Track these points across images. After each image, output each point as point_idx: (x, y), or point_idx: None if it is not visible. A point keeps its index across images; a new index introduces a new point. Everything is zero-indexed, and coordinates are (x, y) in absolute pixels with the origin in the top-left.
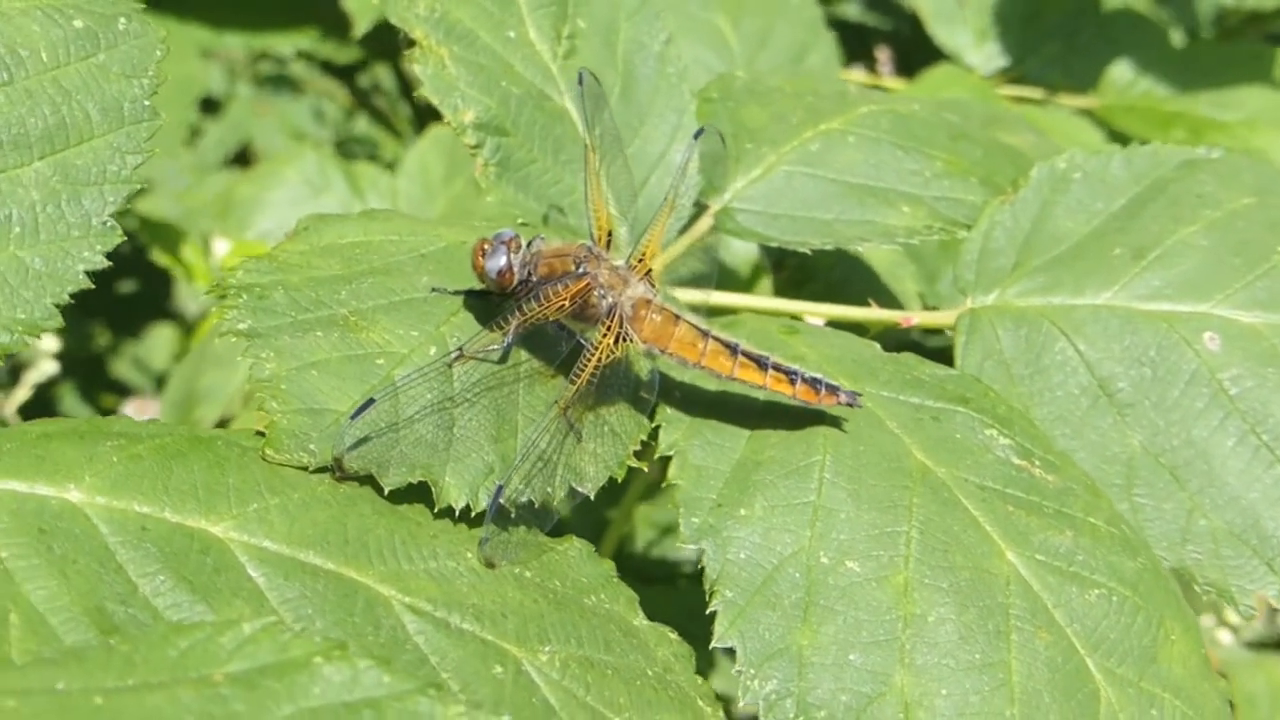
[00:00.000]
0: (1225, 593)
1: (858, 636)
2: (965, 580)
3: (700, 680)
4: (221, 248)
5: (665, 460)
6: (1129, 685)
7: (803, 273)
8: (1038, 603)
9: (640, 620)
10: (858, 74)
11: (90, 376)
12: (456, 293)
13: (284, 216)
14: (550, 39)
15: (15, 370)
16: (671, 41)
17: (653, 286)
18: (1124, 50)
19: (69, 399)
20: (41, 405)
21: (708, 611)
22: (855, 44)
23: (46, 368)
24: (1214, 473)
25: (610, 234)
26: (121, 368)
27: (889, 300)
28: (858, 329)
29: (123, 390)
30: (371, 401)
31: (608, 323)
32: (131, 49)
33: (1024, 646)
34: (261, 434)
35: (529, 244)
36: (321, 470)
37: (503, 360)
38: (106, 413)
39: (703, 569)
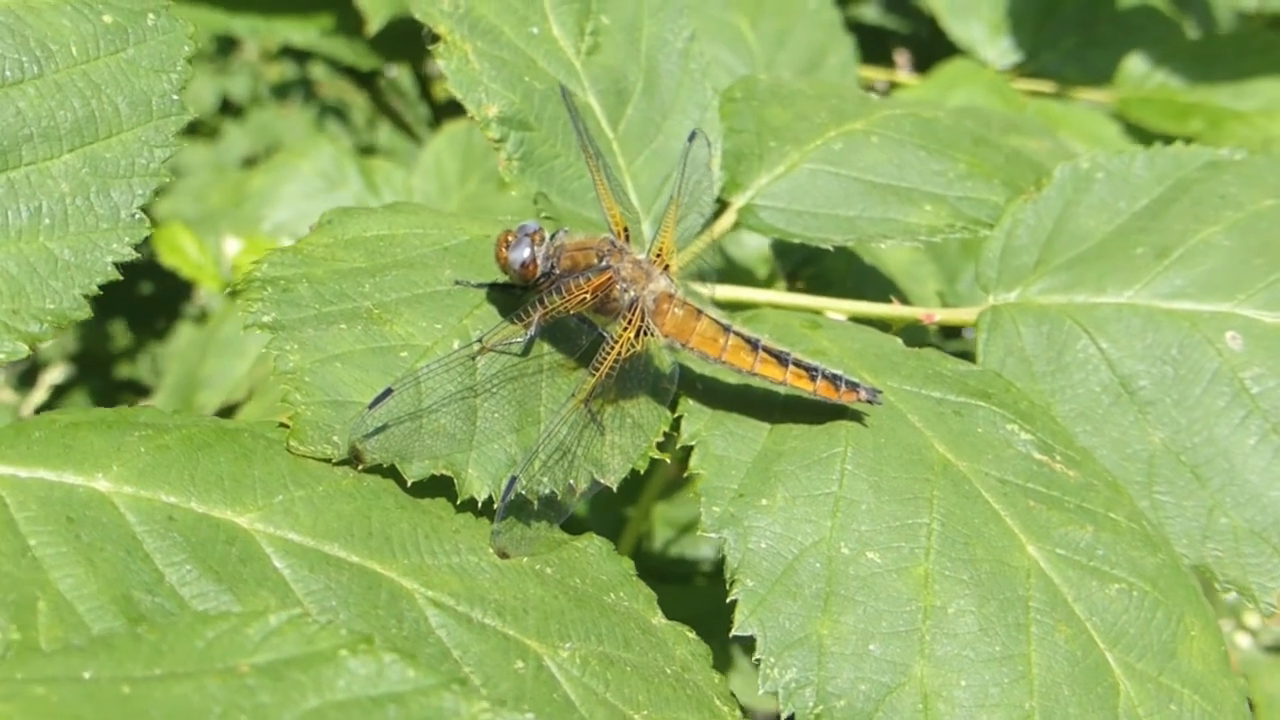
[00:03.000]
0: (1246, 590)
1: (878, 627)
2: (986, 573)
3: (718, 678)
4: (232, 247)
5: (686, 452)
6: (1148, 680)
7: (818, 285)
8: (1058, 596)
9: (659, 619)
10: (874, 73)
11: (108, 378)
12: (480, 286)
13: (298, 210)
14: (574, 35)
15: (32, 371)
16: (695, 38)
17: (673, 281)
18: (1141, 43)
19: (84, 402)
20: (58, 407)
21: (728, 600)
22: (873, 46)
23: (62, 369)
24: (1235, 471)
25: (627, 229)
26: (140, 370)
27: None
28: (879, 327)
29: (140, 391)
30: (390, 391)
31: (629, 316)
32: (160, 44)
33: (1044, 639)
34: (285, 426)
35: (552, 236)
36: (345, 463)
37: (525, 352)
38: None
39: (723, 558)
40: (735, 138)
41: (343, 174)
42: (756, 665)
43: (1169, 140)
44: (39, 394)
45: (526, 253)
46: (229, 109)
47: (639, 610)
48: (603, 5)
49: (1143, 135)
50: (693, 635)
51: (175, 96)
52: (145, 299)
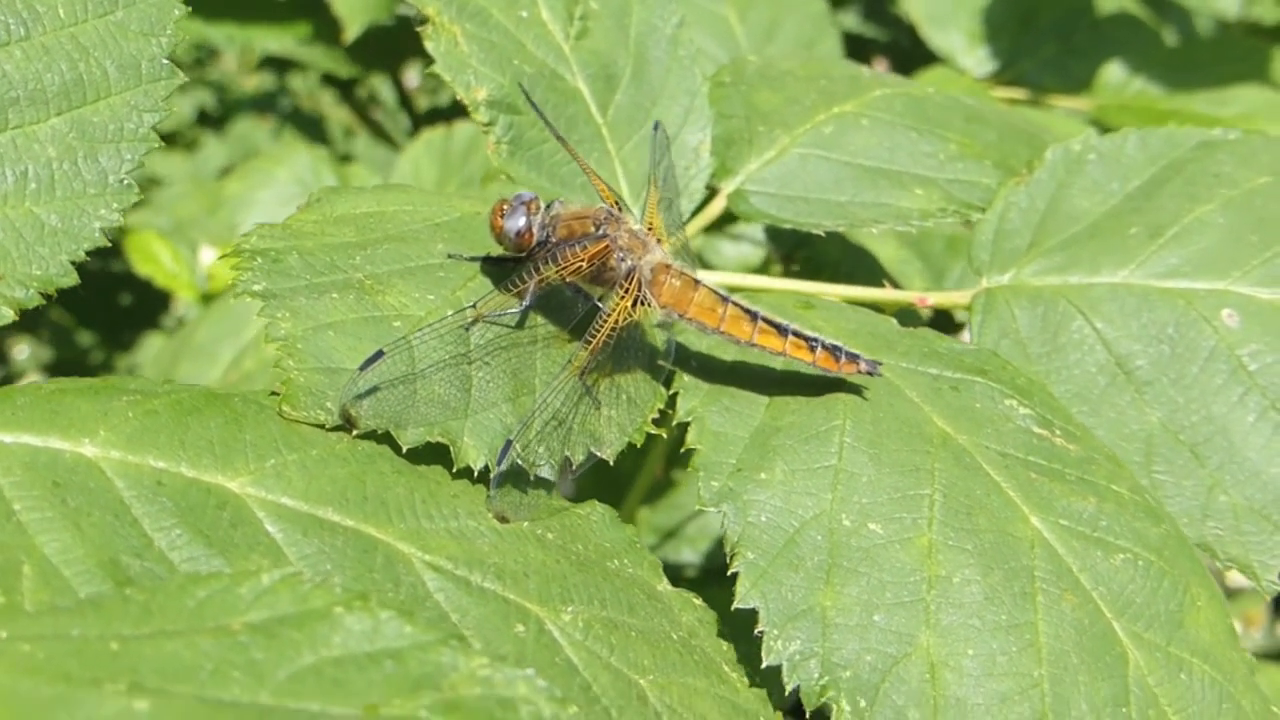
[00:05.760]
0: (1247, 568)
1: (882, 597)
2: (989, 543)
3: (725, 645)
4: (208, 256)
5: (680, 437)
6: (1157, 649)
7: (812, 266)
8: (1062, 566)
9: (664, 586)
10: None
11: None
12: (473, 259)
13: (273, 216)
14: (563, 19)
15: (6, 382)
16: (684, 25)
17: (668, 253)
18: (1119, 51)
19: None
20: None
21: (729, 573)
22: (853, 53)
23: (37, 379)
24: (1234, 448)
25: (619, 201)
26: None
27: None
28: (873, 311)
29: None
30: (380, 353)
31: (626, 285)
32: (150, 7)
33: (1050, 608)
34: (277, 394)
35: (548, 206)
36: (339, 429)
37: (520, 323)
38: None
39: (713, 553)
40: (724, 123)
41: (319, 180)
42: (759, 637)
43: None
44: None
45: (522, 221)
46: (206, 119)
47: (643, 576)
48: None
49: None
50: (699, 602)
51: (165, 60)
52: (123, 310)
